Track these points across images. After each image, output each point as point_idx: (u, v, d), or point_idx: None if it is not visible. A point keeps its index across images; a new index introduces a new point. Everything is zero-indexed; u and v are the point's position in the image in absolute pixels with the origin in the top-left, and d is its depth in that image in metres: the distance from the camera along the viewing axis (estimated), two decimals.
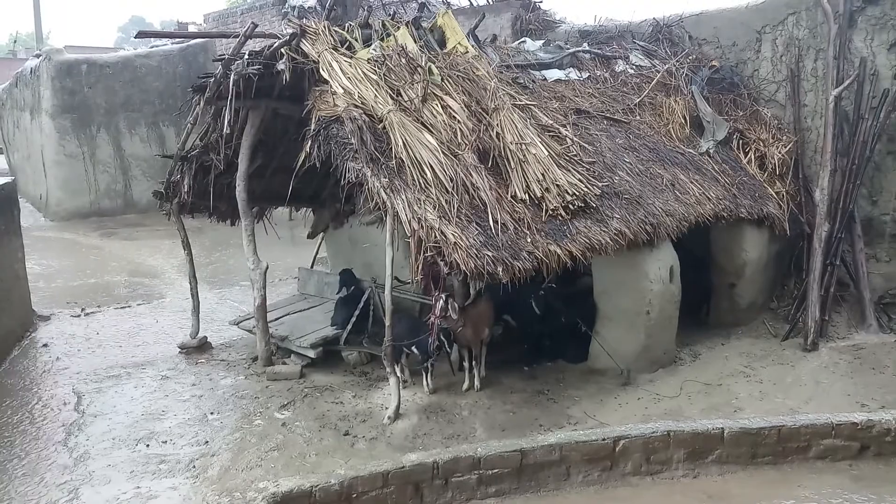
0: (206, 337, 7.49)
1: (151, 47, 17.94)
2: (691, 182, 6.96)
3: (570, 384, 6.30)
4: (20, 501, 4.58)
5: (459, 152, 5.71)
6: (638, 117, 7.50)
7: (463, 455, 4.24)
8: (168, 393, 6.31)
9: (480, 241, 5.26)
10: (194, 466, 4.96)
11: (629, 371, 6.33)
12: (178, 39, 16.93)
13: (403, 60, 6.17)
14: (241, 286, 9.54)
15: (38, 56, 17.99)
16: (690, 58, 8.49)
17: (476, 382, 6.16)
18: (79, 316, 8.77)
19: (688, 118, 7.72)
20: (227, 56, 6.32)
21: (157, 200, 7.55)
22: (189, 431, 5.53)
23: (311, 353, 6.74)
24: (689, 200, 6.74)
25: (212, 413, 5.87)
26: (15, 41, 46.27)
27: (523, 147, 5.92)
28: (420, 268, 5.26)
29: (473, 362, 6.20)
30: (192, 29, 20.61)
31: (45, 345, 7.71)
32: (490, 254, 5.19)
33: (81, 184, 16.19)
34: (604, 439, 4.51)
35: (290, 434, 5.42)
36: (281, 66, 5.98)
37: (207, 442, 5.33)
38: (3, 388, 6.49)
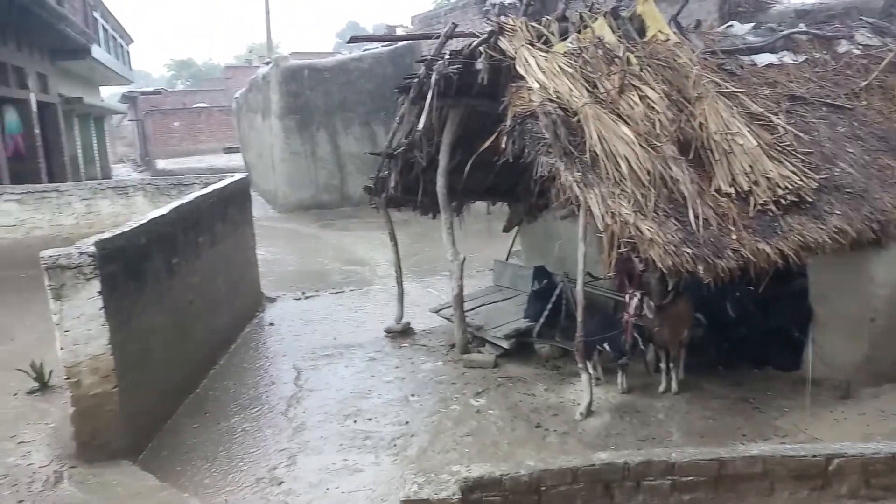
0: (409, 323, 7.95)
1: (364, 51, 19.18)
2: None
3: (778, 393, 5.84)
4: (249, 462, 5.18)
5: (658, 144, 5.51)
6: (864, 102, 6.69)
7: (656, 459, 4.11)
8: (374, 374, 6.80)
9: (679, 238, 5.05)
10: (395, 445, 5.32)
11: (849, 383, 5.72)
12: (386, 42, 17.93)
13: (600, 52, 6.08)
14: (443, 276, 9.96)
15: (268, 64, 20.01)
16: None
17: (673, 385, 5.93)
18: (300, 299, 9.70)
19: None
20: (429, 57, 6.63)
21: (368, 195, 8.11)
22: (391, 411, 5.93)
23: (505, 344, 6.90)
24: None
25: (412, 395, 6.24)
26: (250, 51, 51.83)
27: (729, 137, 5.58)
28: (613, 264, 5.17)
29: (671, 364, 5.97)
30: (399, 31, 21.70)
31: (271, 323, 8.64)
32: (690, 251, 4.97)
33: (304, 179, 17.80)
34: (815, 456, 4.13)
35: (484, 421, 5.61)
36: (480, 64, 6.16)
37: (408, 422, 5.68)
38: (238, 361, 7.36)
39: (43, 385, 6.25)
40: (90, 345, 5.00)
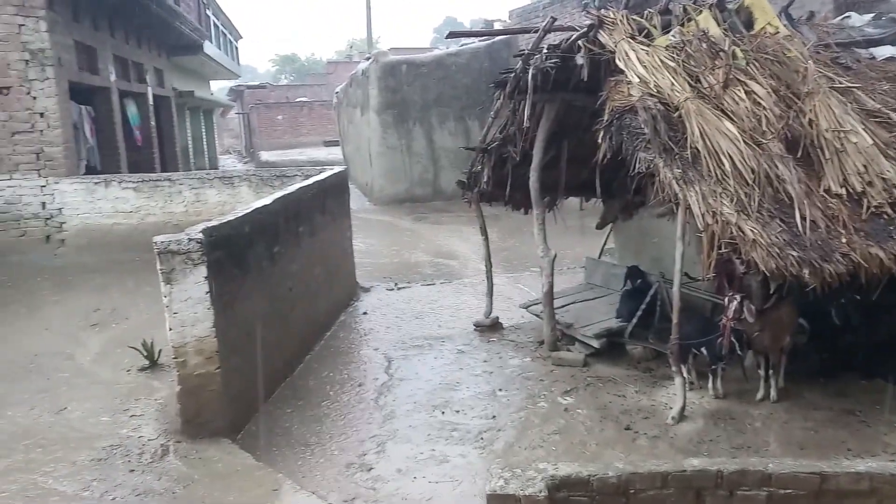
0: (497, 317, 7.96)
1: (461, 46, 19.28)
2: None
3: (888, 407, 5.49)
4: (340, 447, 5.35)
5: (763, 141, 5.29)
6: None
7: (752, 468, 3.96)
8: (462, 366, 6.86)
9: (784, 240, 4.83)
10: (482, 438, 5.35)
11: None
12: (483, 37, 17.95)
13: (704, 45, 5.88)
14: (532, 272, 9.92)
15: (367, 59, 20.45)
16: None
17: (772, 392, 5.68)
18: (392, 290, 9.89)
19: None
20: (526, 51, 6.60)
21: (461, 189, 8.17)
22: (479, 404, 5.97)
23: (596, 343, 6.80)
24: None
25: (500, 390, 6.25)
26: (351, 47, 53.05)
27: (841, 135, 5.28)
28: (713, 265, 5.01)
29: (770, 370, 5.72)
30: (497, 26, 21.69)
31: (364, 313, 8.86)
32: (795, 254, 4.74)
33: (399, 173, 18.11)
34: None
35: (572, 420, 5.55)
36: (579, 59, 6.08)
37: (495, 417, 5.70)
38: (333, 347, 7.60)
39: (153, 363, 6.66)
40: (196, 327, 5.28)
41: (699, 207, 5.04)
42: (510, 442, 5.27)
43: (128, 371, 6.67)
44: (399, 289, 9.93)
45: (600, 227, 8.86)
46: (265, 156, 32.93)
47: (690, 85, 5.67)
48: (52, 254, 11.35)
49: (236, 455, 5.11)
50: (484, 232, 8.15)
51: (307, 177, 9.27)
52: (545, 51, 6.34)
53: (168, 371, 6.15)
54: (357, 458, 5.16)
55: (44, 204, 11.53)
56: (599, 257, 8.86)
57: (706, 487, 3.87)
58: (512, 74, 6.73)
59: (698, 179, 5.18)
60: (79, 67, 12.90)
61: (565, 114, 7.03)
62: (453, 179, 14.69)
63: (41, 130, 11.47)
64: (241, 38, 34.04)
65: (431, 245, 13.25)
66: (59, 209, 11.51)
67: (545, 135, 6.98)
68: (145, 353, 6.68)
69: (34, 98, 11.42)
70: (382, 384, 6.54)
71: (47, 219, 11.52)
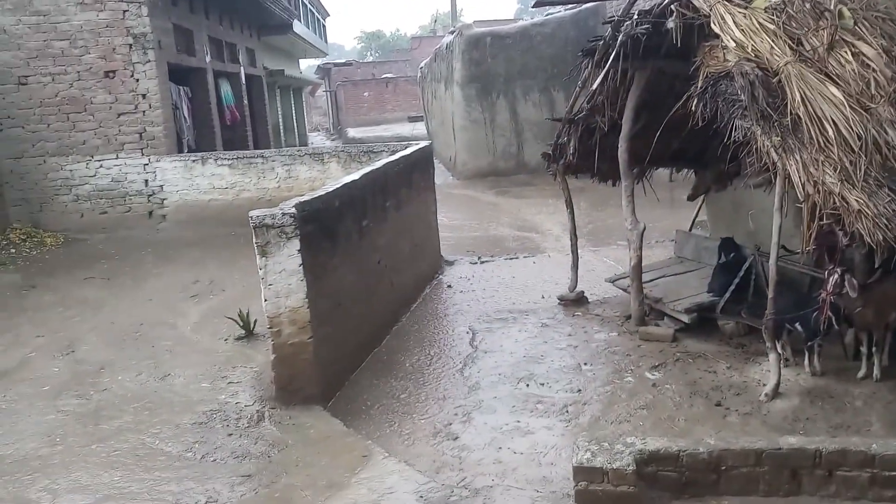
0: (583, 291, 7.87)
1: (546, 16, 18.91)
2: None
3: None
4: (426, 416, 5.46)
5: (872, 106, 4.96)
6: None
7: (853, 448, 3.80)
8: (547, 340, 6.83)
9: (893, 210, 4.54)
10: (567, 411, 5.33)
11: None
12: (570, 6, 17.51)
13: (807, 5, 5.54)
14: (618, 245, 9.73)
15: (452, 33, 20.38)
16: None
17: (875, 371, 5.38)
18: (476, 263, 9.93)
19: None
20: (616, 17, 6.42)
21: (545, 161, 8.07)
22: (564, 378, 5.94)
23: (685, 318, 6.62)
24: None
25: (585, 364, 6.20)
26: (435, 21, 52.98)
27: None
28: (813, 237, 4.77)
29: (874, 348, 5.42)
30: None
31: (449, 286, 8.94)
32: None
33: (482, 146, 18.04)
34: None
35: (660, 396, 5.45)
36: (670, 23, 5.86)
37: (580, 390, 5.67)
38: (419, 320, 7.71)
39: (249, 333, 6.96)
40: (290, 298, 5.47)
41: (800, 177, 4.81)
42: (596, 416, 5.23)
43: (225, 340, 6.99)
44: (482, 262, 9.95)
45: (691, 198, 8.56)
46: (352, 132, 33.52)
47: (791, 48, 5.37)
48: (155, 228, 12.00)
49: (328, 422, 5.30)
50: (569, 205, 8.03)
51: (393, 152, 9.39)
52: (636, 17, 6.14)
53: (263, 340, 6.40)
54: (443, 427, 5.25)
55: (146, 181, 12.19)
56: (690, 230, 8.59)
57: (803, 467, 3.74)
58: (601, 42, 6.56)
59: (799, 147, 4.94)
60: (177, 49, 13.47)
61: (656, 81, 6.80)
62: (537, 152, 14.52)
63: (143, 111, 12.09)
64: (328, 15, 34.59)
65: (514, 219, 13.19)
66: (161, 186, 12.14)
67: (635, 103, 6.79)
68: (241, 323, 6.98)
69: (137, 80, 12.03)
70: (467, 356, 6.60)
71: (150, 195, 12.18)
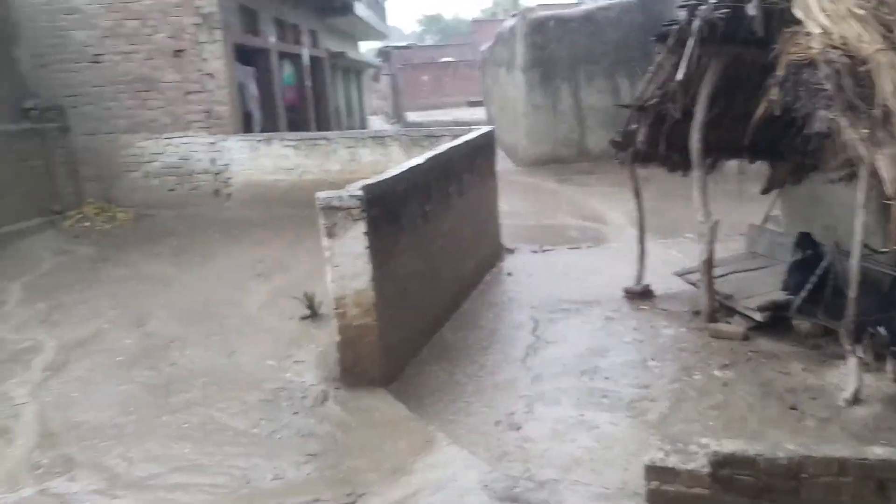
0: (649, 284, 7.68)
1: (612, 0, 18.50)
2: None
3: None
4: (487, 404, 5.42)
5: None
6: None
7: None
8: (611, 333, 6.71)
9: None
10: (633, 407, 5.22)
11: None
12: None
13: None
14: (685, 238, 9.49)
15: (514, 16, 20.13)
16: None
17: None
18: (537, 252, 9.82)
19: None
20: (692, 1, 6.20)
21: (613, 149, 7.88)
22: (629, 373, 5.82)
23: (758, 316, 6.40)
24: None
25: (652, 359, 6.06)
26: (496, 4, 52.47)
27: None
28: None
29: None
30: None
31: (509, 274, 8.87)
32: None
33: (544, 133, 17.80)
34: None
35: (731, 396, 5.29)
36: (751, 9, 5.63)
37: (647, 386, 5.54)
38: (479, 307, 7.67)
39: (313, 313, 7.03)
40: (355, 280, 5.49)
41: (889, 172, 4.57)
42: (664, 413, 5.10)
43: (290, 319, 7.09)
44: (544, 251, 9.84)
45: (766, 191, 8.28)
46: (411, 116, 33.58)
47: (883, 35, 5.10)
48: (221, 207, 12.24)
49: (391, 405, 5.32)
50: (637, 195, 7.84)
51: (455, 137, 9.33)
52: (713, 0, 5.92)
53: (327, 321, 6.46)
54: (505, 416, 5.20)
55: (213, 160, 12.41)
56: (763, 224, 8.30)
57: (892, 479, 3.55)
58: (675, 26, 6.36)
59: (889, 140, 4.69)
60: (243, 30, 13.64)
61: (732, 68, 6.57)
62: (600, 139, 14.28)
63: (210, 90, 12.29)
64: None
65: (577, 207, 13.00)
66: (226, 165, 12.35)
67: (709, 91, 6.57)
68: (307, 304, 7.06)
69: (204, 60, 12.23)
70: (529, 346, 6.53)
71: (216, 174, 12.41)
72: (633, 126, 7.41)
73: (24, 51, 12.16)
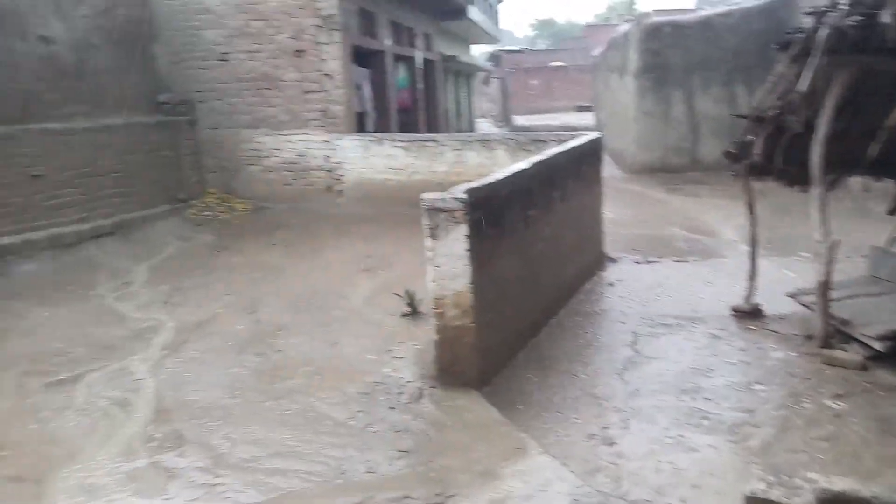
0: (759, 304, 7.35)
1: (732, 5, 17.82)
2: None
3: None
4: (581, 417, 5.35)
5: None
6: None
7: None
8: (716, 352, 6.47)
9: None
10: (735, 432, 5.01)
11: None
12: None
13: None
14: (799, 257, 9.01)
15: (629, 21, 19.74)
16: None
17: None
18: (640, 263, 9.59)
19: None
20: (821, 8, 5.89)
21: (726, 160, 7.59)
22: (733, 395, 5.59)
23: (878, 346, 6.00)
24: None
25: (758, 383, 5.80)
26: (610, 10, 51.56)
27: None
28: None
29: None
30: None
31: (610, 284, 8.71)
32: None
33: (654, 140, 17.36)
34: None
35: (843, 428, 4.98)
36: (886, 17, 5.29)
37: (751, 411, 5.30)
38: (578, 316, 7.59)
39: (413, 311, 7.18)
40: (455, 282, 5.57)
41: None
42: (768, 441, 4.86)
43: (391, 315, 7.27)
44: (648, 262, 9.60)
45: (893, 212, 7.74)
46: (518, 120, 33.55)
47: None
48: (332, 203, 12.70)
49: (484, 408, 5.35)
50: (751, 208, 7.51)
51: (561, 142, 9.25)
52: (845, 6, 5.61)
53: (425, 320, 6.57)
54: (599, 430, 5.12)
55: (327, 157, 12.90)
56: (888, 247, 7.76)
57: None
58: (800, 34, 6.06)
59: None
60: (360, 32, 14.08)
61: (862, 79, 6.18)
62: (713, 149, 13.79)
63: (327, 90, 12.77)
64: (500, 1, 34.65)
65: (685, 218, 12.59)
66: (339, 163, 12.81)
67: (835, 103, 6.21)
68: (407, 301, 7.22)
69: (323, 60, 12.72)
70: (627, 359, 6.40)
71: (329, 171, 12.89)
72: (750, 137, 7.13)
73: (161, 49, 13.08)
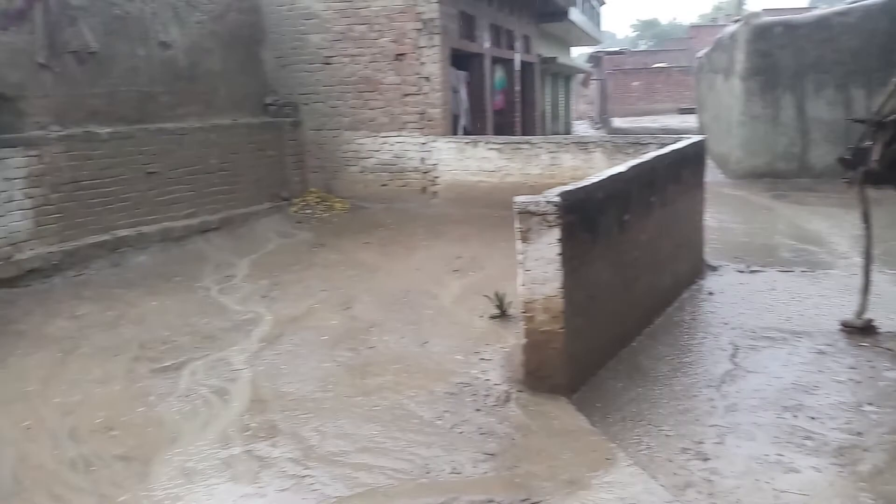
0: (872, 319, 6.88)
1: (850, 4, 16.78)
2: None
3: None
4: (674, 430, 5.17)
5: None
6: None
7: None
8: (822, 369, 6.10)
9: None
10: (842, 454, 4.70)
11: None
12: None
13: None
14: None
15: (736, 21, 18.94)
16: None
17: None
18: (743, 272, 9.17)
19: None
20: None
21: (840, 167, 7.16)
22: (840, 416, 5.25)
23: None
24: None
25: (869, 404, 5.42)
26: (717, 9, 49.75)
27: None
28: None
29: None
30: None
31: (710, 293, 8.37)
32: None
33: (760, 144, 16.61)
34: None
35: None
36: None
37: (860, 434, 4.96)
38: (673, 325, 7.34)
39: (503, 313, 7.16)
40: (545, 286, 5.50)
41: None
42: (879, 467, 4.53)
43: (480, 317, 7.27)
44: (752, 272, 9.17)
45: None
46: (617, 122, 32.87)
47: None
48: (427, 203, 12.87)
49: (572, 415, 5.26)
50: (866, 218, 7.04)
51: (662, 145, 8.99)
52: None
53: (514, 323, 6.54)
54: (693, 444, 4.93)
55: (423, 159, 13.08)
56: None
57: None
58: None
59: None
60: (459, 35, 14.18)
61: None
62: (825, 155, 13.08)
63: (426, 93, 12.94)
64: (603, 3, 34.07)
65: (792, 227, 11.96)
66: (434, 165, 12.95)
67: None
68: (497, 303, 7.20)
69: (422, 64, 12.89)
70: (726, 372, 6.13)
71: (424, 172, 13.06)
72: (867, 143, 6.70)
73: (268, 52, 13.64)
